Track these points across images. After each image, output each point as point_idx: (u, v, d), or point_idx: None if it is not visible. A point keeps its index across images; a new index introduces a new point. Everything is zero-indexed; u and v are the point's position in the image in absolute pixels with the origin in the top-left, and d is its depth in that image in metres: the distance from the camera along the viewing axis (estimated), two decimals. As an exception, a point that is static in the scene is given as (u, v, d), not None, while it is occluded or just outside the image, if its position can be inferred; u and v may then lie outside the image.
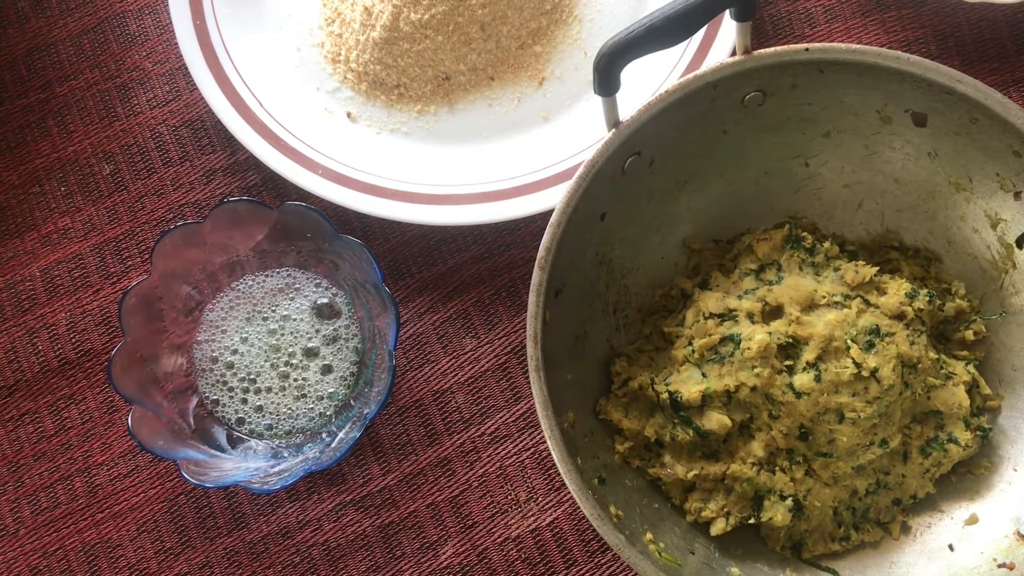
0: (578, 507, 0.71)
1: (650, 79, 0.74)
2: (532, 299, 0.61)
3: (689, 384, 0.64)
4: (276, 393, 0.71)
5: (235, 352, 0.72)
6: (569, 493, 0.72)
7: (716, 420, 0.63)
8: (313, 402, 0.71)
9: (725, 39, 0.74)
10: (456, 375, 0.74)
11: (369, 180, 0.73)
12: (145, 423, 0.66)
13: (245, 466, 0.68)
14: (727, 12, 0.61)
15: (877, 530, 0.66)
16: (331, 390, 0.71)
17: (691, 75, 0.62)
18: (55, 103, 0.79)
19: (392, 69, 0.76)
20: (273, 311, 0.72)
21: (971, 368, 0.67)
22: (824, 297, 0.65)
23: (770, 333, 0.63)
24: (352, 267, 0.70)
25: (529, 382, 0.71)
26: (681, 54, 0.74)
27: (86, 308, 0.76)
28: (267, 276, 0.73)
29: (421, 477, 0.73)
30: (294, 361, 0.72)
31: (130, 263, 0.77)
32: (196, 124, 0.78)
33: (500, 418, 0.73)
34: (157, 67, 0.79)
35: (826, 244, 0.68)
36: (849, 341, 0.63)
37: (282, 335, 0.72)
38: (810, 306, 0.65)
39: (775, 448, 0.64)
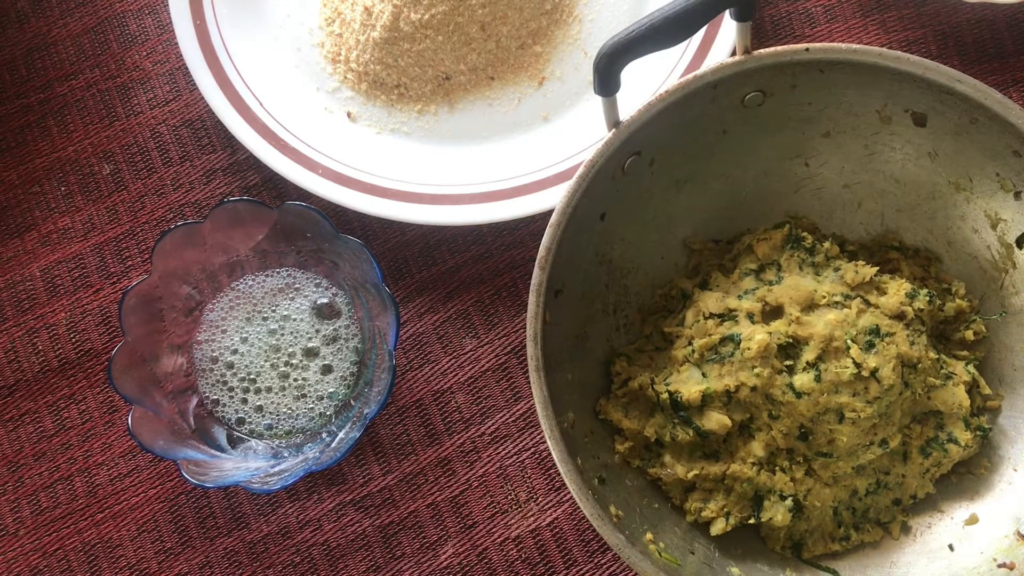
0: (578, 507, 0.71)
1: (650, 79, 0.74)
2: (532, 299, 0.61)
3: (689, 384, 0.64)
4: (276, 393, 0.71)
5: (235, 352, 0.72)
6: (569, 493, 0.72)
7: (716, 420, 0.63)
8: (313, 402, 0.71)
9: (725, 39, 0.74)
10: (456, 375, 0.74)
11: (369, 180, 0.73)
12: (145, 423, 0.66)
13: (245, 466, 0.68)
14: (727, 12, 0.61)
15: (877, 530, 0.66)
16: (331, 390, 0.71)
17: (691, 75, 0.62)
18: (55, 103, 0.79)
19: (392, 69, 0.76)
20: (273, 311, 0.72)
21: (971, 368, 0.67)
22: (824, 297, 0.65)
23: (770, 333, 0.63)
24: (352, 267, 0.70)
25: (529, 382, 0.71)
26: (681, 54, 0.74)
27: (86, 308, 0.76)
28: (267, 276, 0.73)
29: (421, 477, 0.73)
30: (294, 361, 0.72)
31: (130, 263, 0.77)
32: (196, 124, 0.78)
33: (500, 418, 0.73)
34: (157, 67, 0.79)
35: (826, 244, 0.68)
36: (849, 341, 0.63)
37: (282, 335, 0.72)
38: (810, 306, 0.65)
39: (775, 448, 0.64)
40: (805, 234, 0.68)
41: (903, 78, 0.63)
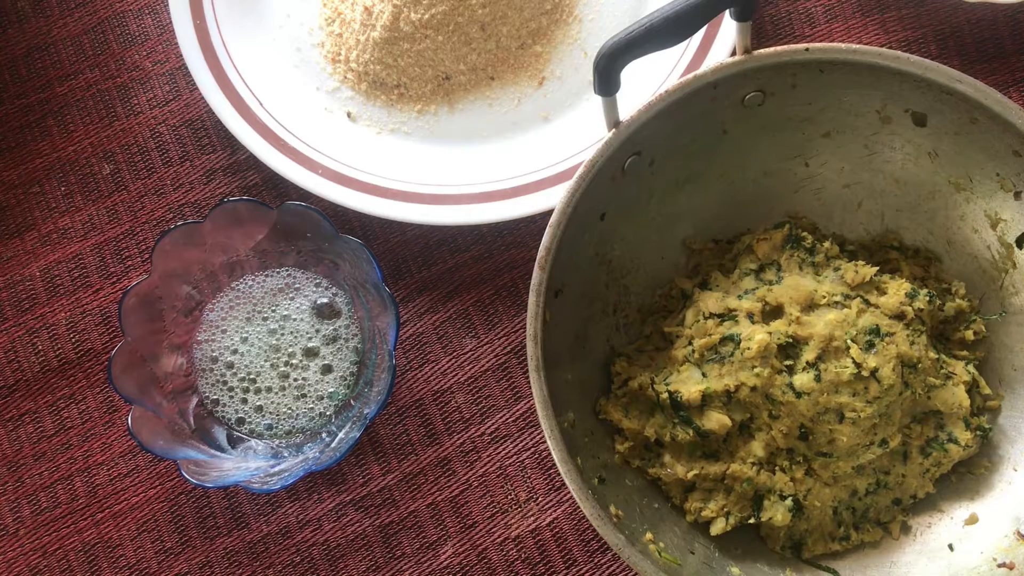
0: (578, 507, 0.71)
1: (650, 79, 0.74)
2: (532, 299, 0.61)
3: (689, 384, 0.64)
4: (276, 393, 0.71)
5: (235, 352, 0.72)
6: (569, 493, 0.72)
7: (716, 420, 0.63)
8: (313, 402, 0.71)
9: (725, 39, 0.74)
10: (456, 375, 0.74)
11: (369, 180, 0.73)
12: (145, 423, 0.66)
13: (245, 466, 0.68)
14: (727, 12, 0.61)
15: (877, 530, 0.66)
16: (331, 390, 0.71)
17: (691, 75, 0.62)
18: (55, 103, 0.79)
19: (392, 69, 0.76)
20: (273, 311, 0.72)
21: (971, 368, 0.67)
22: (824, 297, 0.65)
23: (770, 333, 0.63)
24: (352, 267, 0.70)
25: (529, 382, 0.71)
26: (681, 54, 0.74)
27: (86, 308, 0.76)
28: (267, 276, 0.73)
29: (421, 477, 0.73)
30: (294, 361, 0.72)
31: (130, 263, 0.77)
32: (196, 124, 0.78)
33: (500, 418, 0.73)
34: (157, 67, 0.79)
35: (826, 244, 0.68)
36: (849, 341, 0.63)
37: (282, 335, 0.72)
38: (810, 306, 0.65)
39: (775, 448, 0.64)
40: (805, 234, 0.68)
41: (903, 78, 0.63)
